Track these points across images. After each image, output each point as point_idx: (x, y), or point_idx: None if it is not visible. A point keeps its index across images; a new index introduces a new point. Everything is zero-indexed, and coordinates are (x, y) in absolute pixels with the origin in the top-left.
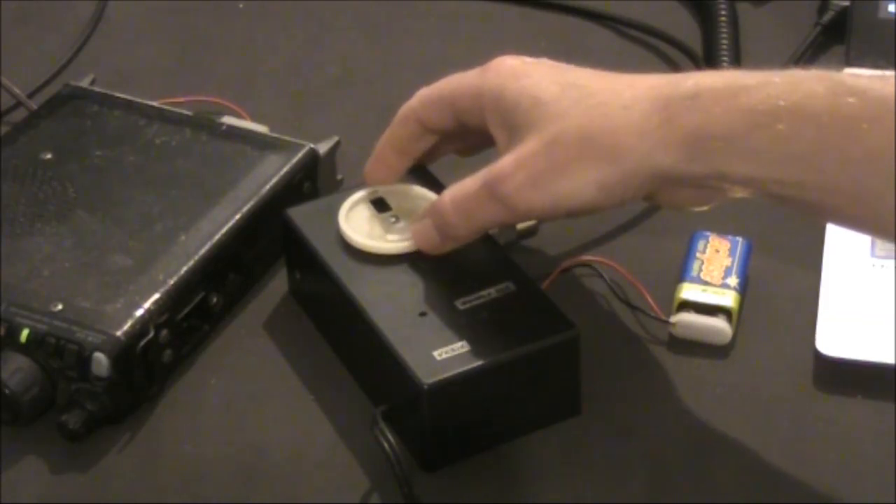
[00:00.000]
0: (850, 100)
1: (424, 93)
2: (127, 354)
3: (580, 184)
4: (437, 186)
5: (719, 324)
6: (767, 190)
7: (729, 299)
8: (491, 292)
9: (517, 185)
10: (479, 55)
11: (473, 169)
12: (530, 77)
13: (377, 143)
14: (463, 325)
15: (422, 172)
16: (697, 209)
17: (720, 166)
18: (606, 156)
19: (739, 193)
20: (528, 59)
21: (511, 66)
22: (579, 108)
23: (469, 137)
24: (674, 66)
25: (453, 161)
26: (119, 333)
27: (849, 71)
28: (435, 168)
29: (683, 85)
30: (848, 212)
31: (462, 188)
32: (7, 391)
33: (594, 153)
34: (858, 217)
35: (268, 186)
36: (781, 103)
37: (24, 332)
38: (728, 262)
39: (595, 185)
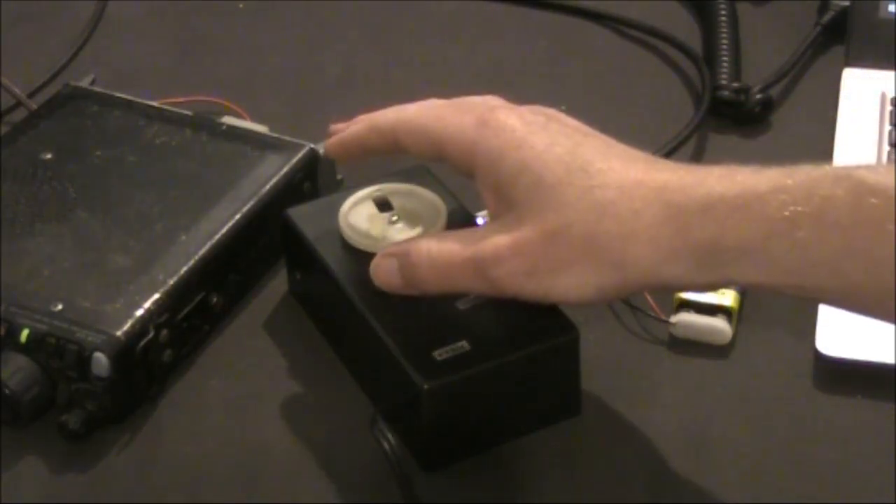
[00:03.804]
0: (873, 201)
1: (413, 120)
2: (127, 354)
3: (578, 284)
4: (439, 186)
5: (719, 324)
6: (782, 293)
7: (729, 299)
8: None
9: (510, 272)
10: (479, 55)
11: None
12: (533, 149)
13: (348, 132)
14: (463, 326)
15: (423, 172)
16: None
17: (732, 275)
18: (612, 263)
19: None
20: (528, 118)
21: (512, 132)
22: (585, 202)
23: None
24: (674, 66)
25: None
26: (119, 333)
27: (861, 165)
28: (435, 167)
29: (696, 192)
30: (868, 308)
31: (444, 252)
32: (7, 391)
33: (599, 258)
34: (880, 312)
35: (268, 186)
36: (800, 209)
37: (24, 332)
38: None
39: (594, 287)
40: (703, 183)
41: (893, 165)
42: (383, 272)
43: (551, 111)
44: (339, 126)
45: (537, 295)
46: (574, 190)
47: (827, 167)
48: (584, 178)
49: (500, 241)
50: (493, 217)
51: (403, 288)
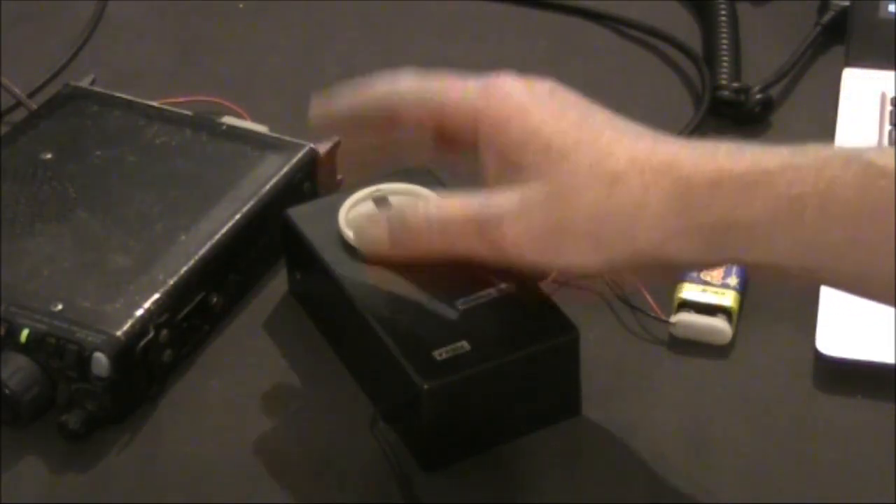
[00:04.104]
0: (882, 183)
1: (414, 87)
2: (127, 354)
3: (586, 251)
4: (439, 186)
5: (719, 324)
6: (784, 275)
7: (729, 299)
8: (491, 292)
9: (515, 235)
10: (479, 55)
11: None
12: (542, 115)
13: (344, 100)
14: (463, 326)
15: (424, 172)
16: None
17: (738, 255)
18: (622, 234)
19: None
20: (536, 87)
21: (518, 99)
22: (596, 171)
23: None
24: (674, 66)
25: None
26: (119, 333)
27: (872, 147)
28: (435, 167)
29: (705, 168)
30: (874, 292)
31: (447, 210)
32: (7, 391)
33: (609, 228)
34: (886, 296)
35: (268, 186)
36: (808, 189)
37: (24, 332)
38: None
39: (604, 258)
40: (713, 159)
41: None
42: (370, 234)
43: (554, 83)
44: (322, 102)
45: (541, 261)
46: (584, 158)
47: (836, 147)
48: (594, 148)
49: (506, 200)
50: (492, 184)
51: (391, 250)
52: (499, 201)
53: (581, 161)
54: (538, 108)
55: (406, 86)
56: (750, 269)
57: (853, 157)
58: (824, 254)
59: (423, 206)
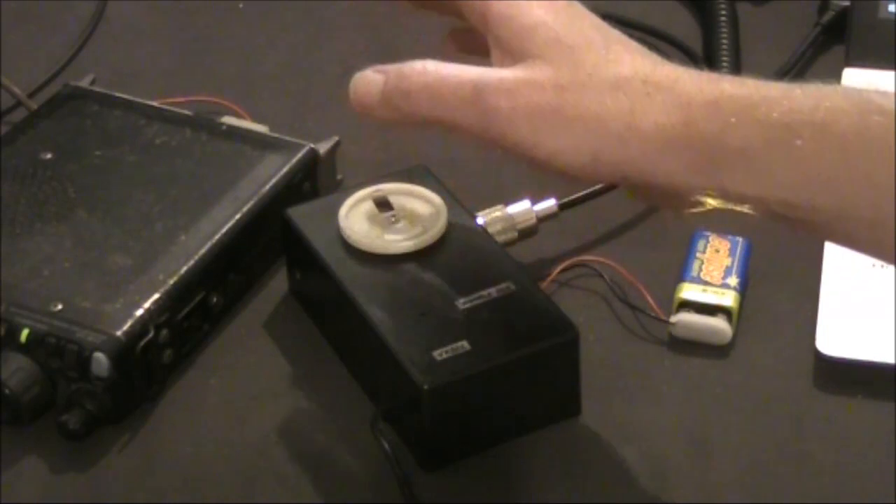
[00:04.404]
0: (878, 118)
1: None
2: (127, 354)
3: (575, 145)
4: (439, 186)
5: (719, 324)
6: (771, 210)
7: (729, 299)
8: (491, 292)
9: (511, 108)
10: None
11: (477, 174)
12: (554, 10)
13: None
14: (463, 325)
15: (424, 172)
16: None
17: (725, 183)
18: (617, 134)
19: (736, 208)
20: None
21: None
22: (602, 71)
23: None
24: None
25: (454, 160)
26: (119, 333)
27: (874, 89)
28: (436, 167)
29: (707, 88)
30: (859, 236)
31: (443, 71)
32: (7, 391)
33: (605, 125)
34: (869, 242)
35: (268, 186)
36: (803, 118)
37: (24, 332)
38: (728, 261)
39: (590, 155)
40: (716, 82)
41: None
42: (364, 85)
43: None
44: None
45: (528, 140)
46: (592, 57)
47: (838, 85)
48: (602, 52)
49: (508, 73)
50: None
51: (380, 106)
52: (502, 73)
53: (588, 58)
54: (551, 4)
55: None
56: (728, 200)
57: (852, 93)
58: (812, 187)
59: (421, 62)
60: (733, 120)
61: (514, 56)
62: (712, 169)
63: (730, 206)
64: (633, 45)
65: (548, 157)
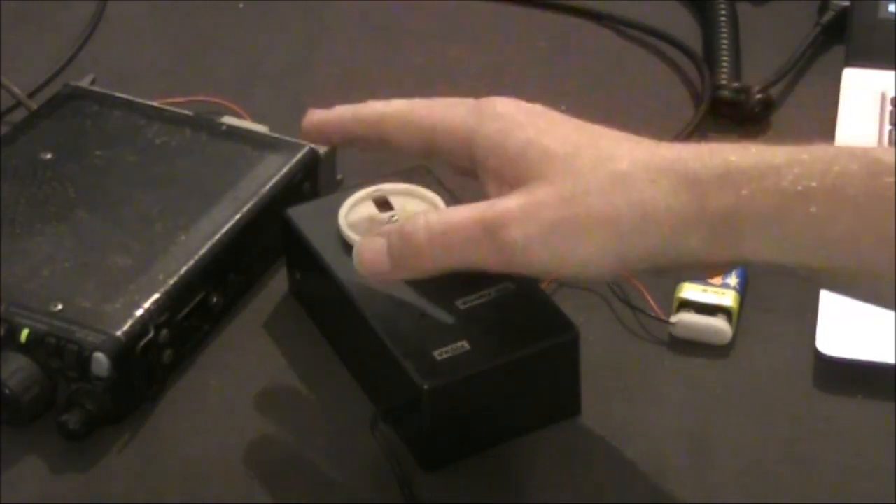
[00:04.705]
0: (888, 179)
1: (402, 112)
2: (127, 354)
3: (598, 252)
4: (439, 186)
5: (719, 324)
6: (794, 273)
7: (729, 299)
8: (491, 292)
9: (525, 235)
10: (479, 55)
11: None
12: (537, 127)
13: (334, 112)
14: (463, 325)
15: (423, 172)
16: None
17: (745, 252)
18: (633, 230)
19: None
20: (524, 105)
21: (512, 116)
22: (600, 172)
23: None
24: (674, 66)
25: None
26: (119, 333)
27: (878, 147)
28: (435, 167)
29: (711, 161)
30: (882, 293)
31: (447, 218)
32: (7, 391)
33: (619, 225)
34: (885, 298)
35: (268, 186)
36: (814, 184)
37: (24, 332)
38: None
39: (615, 257)
40: (719, 154)
41: None
42: (368, 253)
43: (543, 106)
44: (318, 111)
45: (552, 262)
46: (586, 161)
47: (842, 145)
48: (594, 152)
49: (512, 203)
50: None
51: (392, 271)
52: (505, 203)
53: (583, 164)
54: (533, 121)
55: (395, 108)
56: (754, 268)
57: (859, 154)
58: (830, 250)
59: (422, 217)
60: (745, 192)
61: (510, 183)
62: (730, 240)
63: (756, 271)
64: (619, 134)
65: (576, 271)
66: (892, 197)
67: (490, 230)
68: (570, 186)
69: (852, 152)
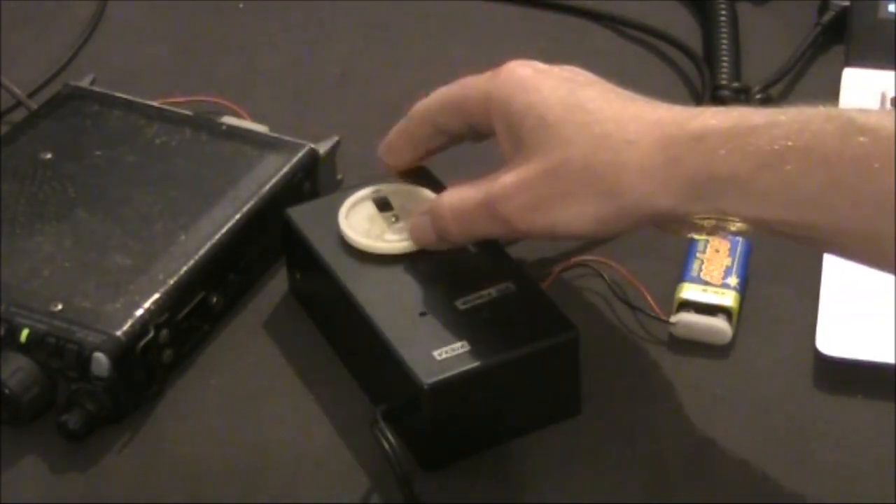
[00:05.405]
0: (861, 139)
1: (440, 95)
2: (127, 354)
3: (578, 215)
4: (438, 186)
5: (719, 324)
6: (772, 229)
7: (729, 299)
8: (491, 292)
9: (518, 207)
10: (479, 55)
11: (474, 170)
12: (539, 92)
13: (392, 130)
14: (463, 325)
15: (423, 172)
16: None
17: (724, 207)
18: (606, 191)
19: (742, 230)
20: (540, 67)
21: (521, 77)
22: (583, 136)
23: (480, 136)
24: (674, 66)
25: (453, 160)
26: (119, 333)
27: (856, 107)
28: (435, 167)
29: (690, 124)
30: (856, 250)
31: (462, 199)
32: (7, 391)
33: (595, 187)
34: (867, 255)
35: (268, 186)
36: (790, 143)
37: (24, 332)
38: (728, 261)
39: (592, 217)
40: (698, 117)
41: (889, 111)
42: (419, 232)
43: (574, 68)
44: (382, 143)
45: (544, 229)
46: (573, 126)
47: (822, 107)
48: (583, 115)
49: (507, 179)
50: (507, 161)
51: (439, 243)
52: (502, 181)
53: (571, 130)
54: (537, 84)
55: (435, 94)
56: (737, 223)
57: (835, 115)
58: (805, 207)
59: (446, 200)
60: (722, 152)
61: (514, 143)
62: (709, 197)
63: (732, 231)
64: (615, 92)
65: (565, 233)
66: (864, 156)
67: (490, 206)
68: (556, 156)
69: (829, 113)
